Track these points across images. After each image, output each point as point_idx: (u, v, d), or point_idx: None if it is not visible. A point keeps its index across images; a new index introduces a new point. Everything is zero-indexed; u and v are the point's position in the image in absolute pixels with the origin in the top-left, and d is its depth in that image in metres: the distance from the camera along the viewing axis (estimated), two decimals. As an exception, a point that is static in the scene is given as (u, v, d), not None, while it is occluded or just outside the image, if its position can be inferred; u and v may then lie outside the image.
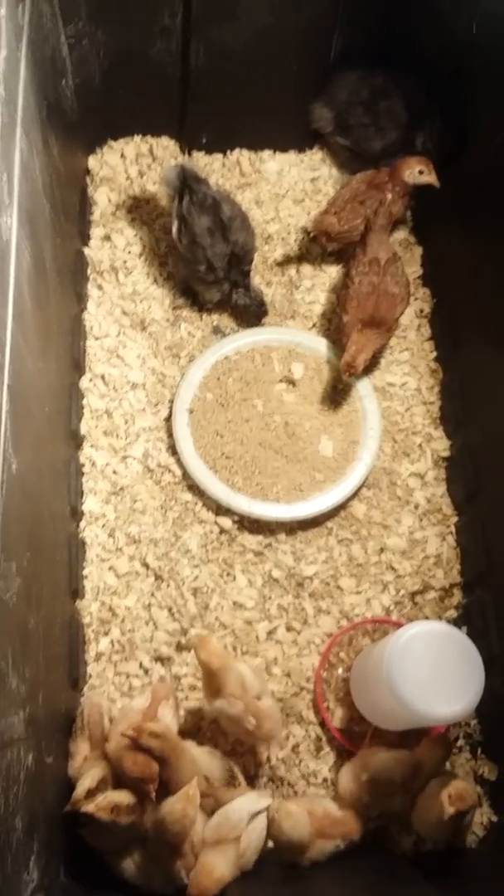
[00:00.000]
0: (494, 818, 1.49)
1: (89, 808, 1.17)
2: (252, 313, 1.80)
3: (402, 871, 1.35)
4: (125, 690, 1.53)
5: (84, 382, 1.75)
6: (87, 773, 1.24)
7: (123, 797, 1.21)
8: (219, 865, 1.21)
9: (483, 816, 1.50)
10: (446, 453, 1.74)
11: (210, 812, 1.32)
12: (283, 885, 1.25)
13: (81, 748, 1.35)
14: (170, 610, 1.60)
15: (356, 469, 1.68)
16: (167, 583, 1.62)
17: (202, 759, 1.33)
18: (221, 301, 1.81)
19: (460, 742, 1.56)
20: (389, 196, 1.72)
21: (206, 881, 1.19)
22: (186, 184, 1.67)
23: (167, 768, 1.24)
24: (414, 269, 1.90)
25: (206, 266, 1.72)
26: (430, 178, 1.72)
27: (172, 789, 1.23)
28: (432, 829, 1.37)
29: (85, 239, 1.86)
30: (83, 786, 1.21)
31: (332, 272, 1.89)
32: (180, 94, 1.90)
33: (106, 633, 1.58)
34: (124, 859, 1.28)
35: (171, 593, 1.61)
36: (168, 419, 1.73)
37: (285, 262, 1.90)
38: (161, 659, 1.57)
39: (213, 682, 1.31)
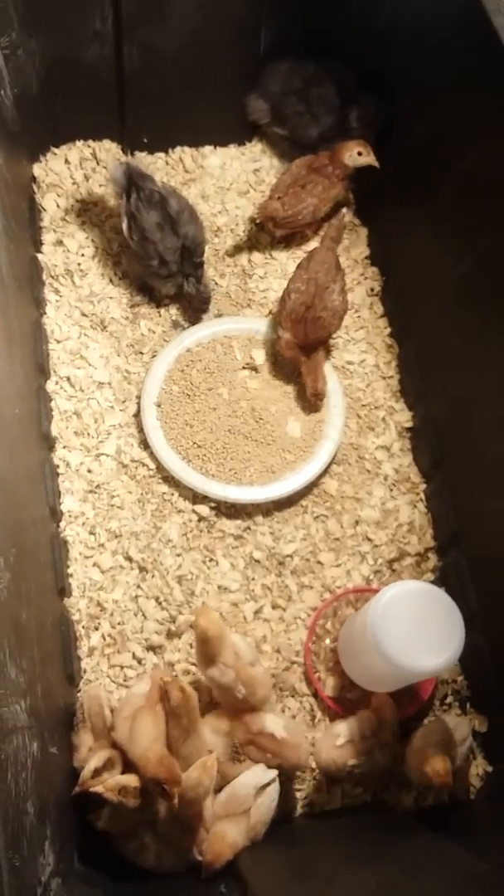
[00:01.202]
0: (489, 768, 1.55)
1: (97, 787, 1.19)
2: (194, 305, 1.82)
3: (404, 826, 1.40)
4: (121, 682, 1.56)
5: (50, 385, 1.76)
6: (94, 755, 1.26)
7: (131, 780, 1.23)
8: (231, 831, 1.24)
9: (478, 768, 1.56)
10: (409, 424, 1.80)
11: (217, 788, 1.35)
12: (289, 847, 1.28)
13: (85, 740, 1.37)
14: (157, 599, 1.63)
15: (324, 446, 1.73)
16: (152, 573, 1.65)
17: (206, 735, 1.36)
18: (178, 295, 1.84)
19: (449, 699, 1.61)
20: (344, 210, 1.79)
21: (219, 846, 1.22)
22: (133, 181, 1.70)
23: (179, 730, 1.27)
24: (361, 250, 1.96)
25: (159, 261, 1.75)
26: (368, 158, 1.78)
27: (178, 758, 1.25)
28: (428, 782, 1.42)
29: (37, 245, 1.88)
30: (90, 766, 1.23)
31: (283, 258, 1.94)
32: (118, 96, 1.93)
33: (96, 628, 1.60)
34: (136, 843, 1.30)
35: (156, 583, 1.64)
36: (137, 415, 1.76)
37: (236, 252, 1.94)
38: (153, 648, 1.60)
39: (207, 650, 1.35)
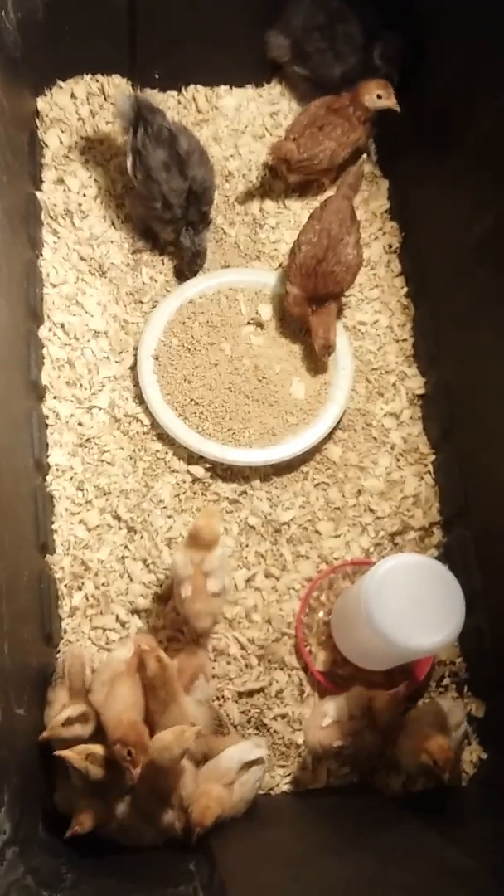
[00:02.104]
0: (484, 755, 1.48)
1: (66, 753, 1.13)
2: (185, 260, 1.70)
3: (391, 811, 1.33)
4: (102, 645, 1.49)
5: (43, 332, 1.67)
6: (70, 707, 1.21)
7: (98, 748, 1.17)
8: (216, 788, 1.18)
9: (473, 754, 1.48)
10: (421, 391, 1.69)
11: (201, 760, 1.29)
12: (266, 827, 1.22)
13: (60, 696, 1.31)
14: (144, 561, 1.55)
15: (329, 410, 1.63)
16: (140, 534, 1.57)
17: (189, 707, 1.30)
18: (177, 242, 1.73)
19: (446, 681, 1.53)
20: (364, 158, 1.66)
21: (204, 800, 1.16)
22: (141, 115, 1.59)
23: (156, 702, 1.21)
24: (380, 203, 1.84)
25: (163, 203, 1.64)
26: (389, 101, 1.66)
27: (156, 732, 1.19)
28: (421, 769, 1.35)
29: (37, 182, 1.77)
30: (64, 714, 1.19)
31: (297, 208, 1.82)
32: (129, 27, 1.80)
33: (79, 588, 1.53)
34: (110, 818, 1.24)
35: (144, 545, 1.56)
36: (133, 367, 1.66)
37: (247, 200, 1.82)
38: (138, 611, 1.53)
39: (191, 549, 1.34)
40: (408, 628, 1.20)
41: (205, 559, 1.34)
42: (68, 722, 1.21)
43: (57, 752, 1.14)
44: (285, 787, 1.43)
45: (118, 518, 1.58)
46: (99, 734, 1.22)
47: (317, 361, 1.65)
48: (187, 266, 1.71)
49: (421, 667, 1.48)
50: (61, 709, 1.26)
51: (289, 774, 1.44)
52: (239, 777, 1.25)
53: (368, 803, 1.32)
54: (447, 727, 1.36)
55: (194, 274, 1.71)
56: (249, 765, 1.28)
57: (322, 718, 1.34)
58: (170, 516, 1.59)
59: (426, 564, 1.25)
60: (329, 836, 1.15)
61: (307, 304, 1.61)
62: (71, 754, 1.15)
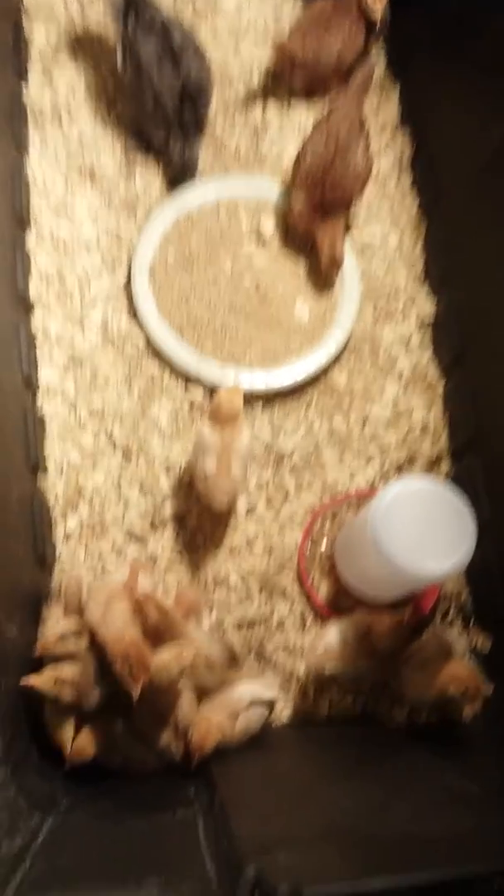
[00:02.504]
0: (489, 690, 1.45)
1: (33, 681, 1.08)
2: (173, 170, 1.59)
3: (393, 743, 1.30)
4: (98, 571, 1.43)
5: (30, 241, 1.56)
6: (64, 621, 1.17)
7: (68, 671, 1.12)
8: (218, 715, 1.15)
9: (475, 687, 1.45)
10: (431, 315, 1.61)
11: (214, 692, 1.25)
12: (266, 755, 1.19)
13: (54, 613, 1.26)
14: (141, 487, 1.49)
15: (334, 334, 1.55)
16: (137, 459, 1.50)
17: (201, 639, 1.26)
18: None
19: (451, 614, 1.50)
20: (373, 57, 1.53)
21: (204, 725, 1.13)
22: (131, 3, 1.45)
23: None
24: (390, 112, 1.72)
25: (154, 101, 1.51)
26: (376, 12, 1.53)
27: None
28: (435, 702, 1.32)
29: (22, 80, 1.63)
30: (57, 629, 1.15)
31: (302, 116, 1.70)
32: None
33: (74, 513, 1.47)
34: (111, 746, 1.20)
35: (141, 470, 1.50)
36: (127, 284, 1.56)
37: (248, 105, 1.70)
38: (135, 538, 1.47)
39: (216, 422, 1.33)
40: (416, 553, 1.14)
41: (233, 439, 1.31)
42: (62, 637, 1.16)
43: (23, 682, 1.09)
44: (286, 719, 1.41)
45: (113, 442, 1.50)
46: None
47: (323, 278, 1.55)
48: (174, 177, 1.60)
49: (427, 598, 1.44)
50: (55, 624, 1.22)
51: (290, 705, 1.41)
52: (245, 711, 1.21)
53: (371, 734, 1.29)
54: (451, 657, 1.32)
55: (180, 181, 1.60)
56: (259, 702, 1.25)
57: (318, 643, 1.31)
58: (167, 442, 1.52)
59: (436, 489, 1.19)
60: (331, 765, 1.12)
61: (313, 217, 1.50)
62: (38, 682, 1.09)
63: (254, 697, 1.22)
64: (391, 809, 0.90)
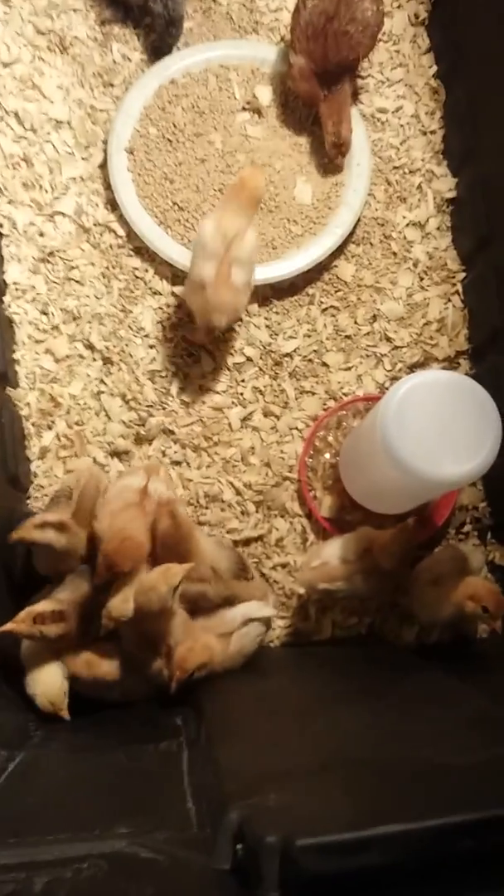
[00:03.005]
0: (506, 606, 1.32)
1: (8, 626, 0.99)
2: (158, 31, 1.38)
3: (405, 662, 1.18)
4: (76, 490, 1.30)
5: (-8, 121, 1.37)
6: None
7: (41, 606, 1.03)
8: (205, 636, 1.06)
9: (493, 605, 1.33)
10: (451, 194, 1.41)
11: (223, 605, 1.16)
12: (262, 677, 1.07)
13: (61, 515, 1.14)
14: (124, 397, 1.34)
15: (341, 216, 1.36)
16: (118, 366, 1.35)
17: (209, 549, 1.16)
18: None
19: (467, 527, 1.36)
20: None
21: (189, 643, 1.04)
22: None
23: (175, 557, 1.06)
24: (407, -40, 1.48)
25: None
26: None
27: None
28: (440, 620, 1.20)
29: None
30: (41, 517, 1.06)
31: (304, -35, 1.46)
32: None
33: (49, 427, 1.33)
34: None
35: (123, 378, 1.35)
36: (103, 165, 1.38)
37: (242, -46, 1.47)
38: (118, 454, 1.33)
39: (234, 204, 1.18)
40: (432, 456, 0.99)
41: (234, 242, 1.16)
42: (42, 525, 1.06)
43: (0, 629, 0.99)
44: (286, 640, 1.29)
45: (91, 347, 1.35)
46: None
47: (329, 161, 1.36)
48: (159, 39, 1.38)
49: (440, 511, 1.30)
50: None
51: (290, 626, 1.30)
52: (240, 629, 1.10)
53: (379, 654, 1.17)
54: (468, 572, 1.19)
55: (169, 49, 1.39)
56: (254, 620, 1.15)
57: (314, 558, 1.20)
58: (152, 346, 1.36)
59: (456, 379, 1.03)
60: (338, 685, 1.01)
61: (315, 80, 1.30)
62: (15, 626, 1.00)
63: (247, 616, 1.11)
64: (405, 736, 0.78)
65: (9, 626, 0.99)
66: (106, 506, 1.13)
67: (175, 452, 1.34)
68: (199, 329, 1.28)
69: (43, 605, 1.03)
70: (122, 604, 1.02)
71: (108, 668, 1.07)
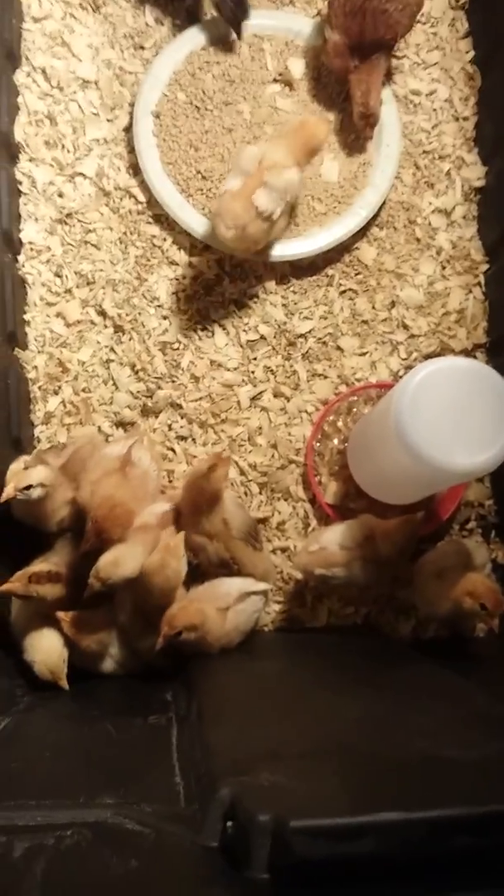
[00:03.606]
0: (505, 605, 1.31)
1: (6, 587, 0.98)
2: (226, 16, 1.33)
3: (401, 653, 1.17)
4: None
5: (19, 76, 1.34)
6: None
7: (39, 566, 1.02)
8: (199, 602, 1.04)
9: (492, 603, 1.31)
10: (480, 183, 1.38)
11: (219, 565, 1.14)
12: (254, 658, 1.06)
13: (47, 461, 1.13)
14: (133, 367, 1.32)
15: (366, 197, 1.33)
16: (129, 335, 1.32)
17: (228, 503, 1.14)
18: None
19: (471, 524, 1.34)
20: None
21: (181, 603, 1.03)
22: None
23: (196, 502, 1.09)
24: None
25: None
26: None
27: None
28: (439, 614, 1.18)
29: None
30: (31, 568, 1.02)
31: None
32: None
33: (56, 392, 1.31)
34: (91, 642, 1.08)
35: (134, 347, 1.32)
36: (128, 129, 1.35)
37: None
38: (123, 424, 1.31)
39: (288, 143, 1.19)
40: (446, 444, 0.97)
41: (271, 169, 1.14)
42: (35, 578, 1.03)
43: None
44: (281, 625, 1.27)
45: (104, 314, 1.32)
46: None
47: (357, 133, 1.32)
48: (227, 20, 1.33)
49: (445, 505, 1.28)
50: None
51: (285, 611, 1.28)
52: (236, 605, 1.08)
53: (375, 645, 1.16)
54: (472, 567, 1.17)
55: (238, 28, 1.34)
56: (250, 594, 1.13)
57: (312, 543, 1.18)
58: (165, 317, 1.33)
59: (474, 369, 1.00)
60: (332, 673, 0.99)
61: (350, 55, 1.27)
62: (12, 586, 0.98)
63: (242, 590, 1.09)
64: (400, 727, 0.76)
65: (5, 586, 0.98)
66: (86, 475, 1.12)
67: (181, 427, 1.31)
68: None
69: (39, 566, 1.01)
70: (111, 566, 1.00)
71: (94, 638, 1.06)
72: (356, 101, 1.28)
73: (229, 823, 0.54)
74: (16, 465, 1.10)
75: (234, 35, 1.34)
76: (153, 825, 0.57)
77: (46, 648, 1.01)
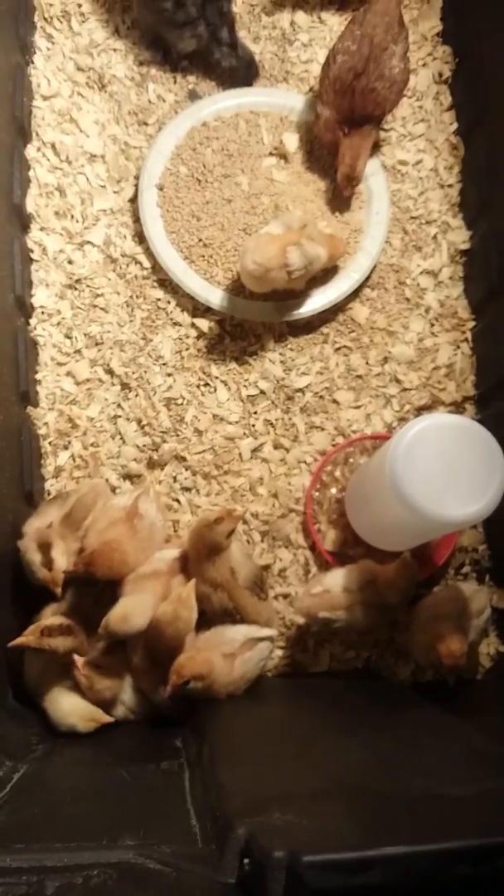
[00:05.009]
0: (503, 648, 1.35)
1: (20, 640, 1.02)
2: (240, 77, 1.47)
3: (401, 696, 1.20)
4: (88, 510, 1.33)
5: (30, 151, 1.43)
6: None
7: (51, 619, 1.06)
8: (209, 655, 1.07)
9: (490, 647, 1.36)
10: (465, 246, 1.47)
11: (222, 615, 1.18)
12: (260, 705, 1.09)
13: (51, 513, 1.19)
14: (139, 422, 1.38)
15: (358, 261, 1.41)
16: (136, 392, 1.39)
17: (236, 553, 1.18)
18: (198, 55, 1.47)
19: (466, 568, 1.39)
20: None
21: (190, 652, 1.06)
22: None
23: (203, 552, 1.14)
24: (432, 24, 1.55)
25: (173, 3, 1.37)
26: None
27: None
28: (431, 663, 1.22)
29: (26, -29, 1.49)
30: (43, 622, 1.05)
31: (334, 23, 1.54)
32: None
33: (66, 447, 1.37)
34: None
35: (140, 404, 1.38)
36: (134, 200, 1.44)
37: (276, 10, 1.54)
38: (130, 477, 1.37)
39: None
40: (439, 496, 1.03)
41: (310, 233, 1.28)
42: (47, 632, 1.07)
43: (11, 644, 1.02)
44: (284, 670, 1.31)
45: (111, 372, 1.39)
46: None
47: (340, 192, 1.41)
48: (243, 81, 1.47)
49: (440, 551, 1.34)
50: (47, 527, 1.15)
51: (287, 657, 1.32)
52: (242, 652, 1.12)
53: (377, 687, 1.20)
54: (468, 614, 1.22)
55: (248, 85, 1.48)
56: (256, 641, 1.16)
57: (315, 586, 1.22)
58: (169, 374, 1.40)
59: (465, 424, 1.07)
60: (336, 716, 1.02)
61: (340, 128, 1.36)
62: (24, 639, 1.03)
63: (248, 635, 1.14)
64: (404, 765, 0.80)
65: (19, 639, 1.01)
66: (93, 524, 1.17)
67: (186, 479, 1.37)
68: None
69: (51, 619, 1.05)
70: (120, 621, 1.04)
71: (107, 683, 1.09)
72: (344, 163, 1.36)
73: (246, 860, 0.58)
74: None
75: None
76: (173, 864, 0.60)
77: (75, 708, 1.04)
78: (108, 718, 1.04)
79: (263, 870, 0.55)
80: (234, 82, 1.49)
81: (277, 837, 0.58)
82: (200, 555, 1.16)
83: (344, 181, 1.37)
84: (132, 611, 1.06)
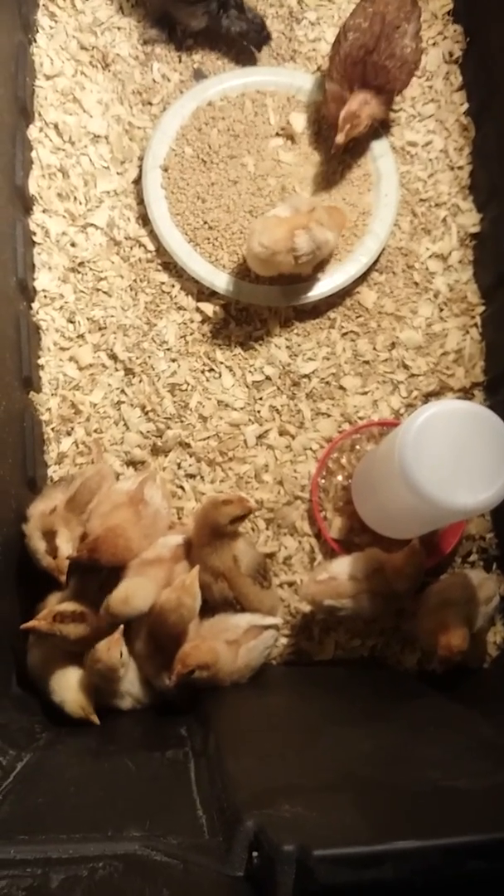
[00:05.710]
0: (509, 636, 1.34)
1: (32, 623, 1.01)
2: (251, 41, 1.44)
3: (407, 685, 1.19)
4: (91, 496, 1.31)
5: (33, 132, 1.41)
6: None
7: (63, 606, 1.05)
8: (214, 644, 1.07)
9: (497, 635, 1.35)
10: (475, 229, 1.45)
11: (223, 605, 1.17)
12: (265, 694, 1.08)
13: (55, 497, 1.18)
14: (143, 408, 1.36)
15: (366, 245, 1.39)
16: (139, 378, 1.37)
17: (239, 541, 1.17)
18: (207, 33, 1.44)
19: (473, 557, 1.38)
20: None
21: (195, 642, 1.06)
22: None
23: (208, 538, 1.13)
24: (443, 3, 1.52)
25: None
26: None
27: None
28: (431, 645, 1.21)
29: None
30: (55, 608, 1.04)
31: (343, 2, 1.51)
32: None
33: (69, 433, 1.35)
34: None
35: (144, 389, 1.37)
36: (137, 181, 1.41)
37: (284, -15, 1.51)
38: (134, 463, 1.35)
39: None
40: (448, 484, 1.01)
41: (318, 223, 1.25)
42: (60, 618, 1.06)
43: (23, 626, 1.02)
44: (288, 658, 1.30)
45: (114, 357, 1.37)
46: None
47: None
48: (255, 45, 1.45)
49: (447, 539, 1.32)
50: (51, 512, 1.14)
51: (292, 645, 1.31)
52: (246, 640, 1.11)
53: (384, 676, 1.18)
54: (475, 601, 1.21)
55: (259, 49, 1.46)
56: (260, 629, 1.15)
57: (321, 573, 1.21)
58: (174, 359, 1.38)
59: (473, 412, 1.05)
60: (342, 706, 1.01)
61: (346, 95, 1.32)
62: (37, 623, 1.02)
63: (252, 622, 1.13)
64: (412, 758, 0.79)
65: (31, 622, 1.01)
66: (97, 507, 1.16)
67: (190, 465, 1.36)
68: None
69: (64, 605, 1.04)
70: (121, 603, 1.04)
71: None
72: (348, 107, 1.29)
73: (255, 854, 0.57)
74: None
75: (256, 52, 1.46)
76: (180, 857, 0.59)
77: (75, 687, 1.03)
78: (95, 720, 1.03)
79: (273, 864, 0.54)
80: (244, 50, 1.45)
81: (287, 831, 0.57)
82: (202, 538, 1.15)
83: (342, 121, 1.29)
84: (133, 593, 1.05)
